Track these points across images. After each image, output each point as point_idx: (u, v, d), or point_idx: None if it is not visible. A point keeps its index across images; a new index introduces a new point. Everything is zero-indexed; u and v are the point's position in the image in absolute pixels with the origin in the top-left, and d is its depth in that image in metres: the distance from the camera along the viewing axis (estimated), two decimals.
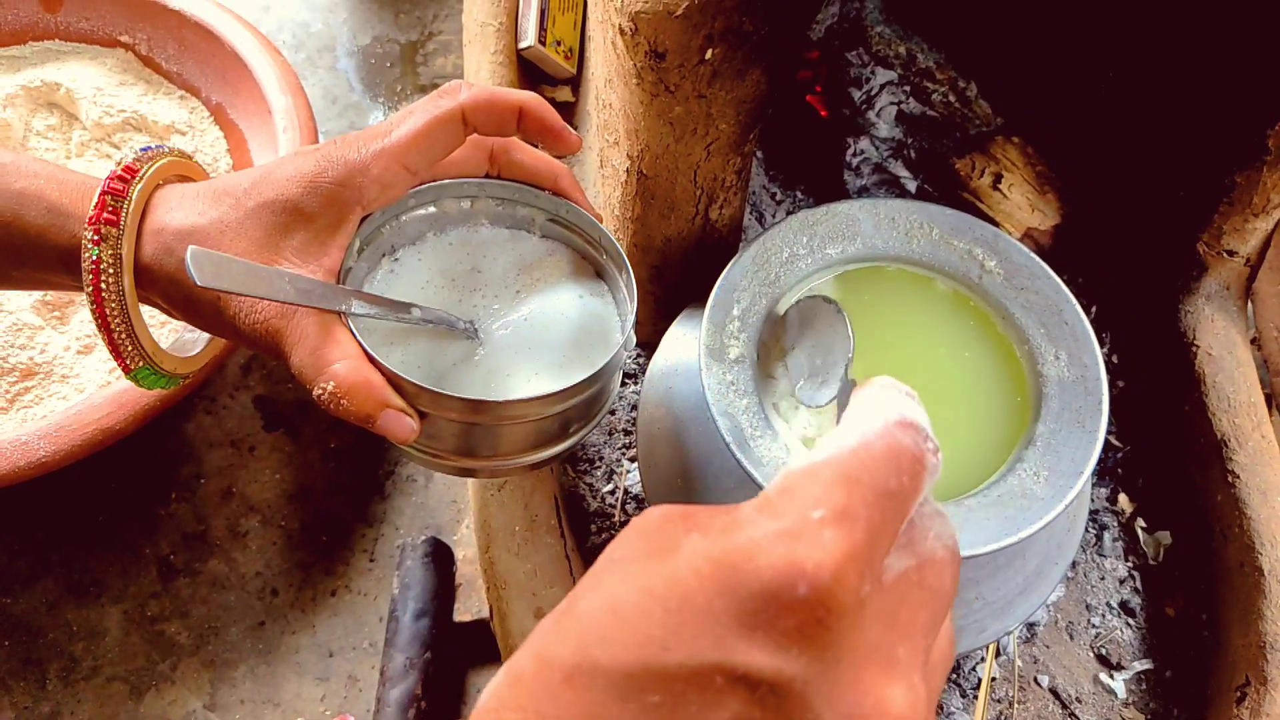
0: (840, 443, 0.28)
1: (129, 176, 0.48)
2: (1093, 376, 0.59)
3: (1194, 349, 0.78)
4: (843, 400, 0.50)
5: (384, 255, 0.55)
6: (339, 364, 0.46)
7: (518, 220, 0.58)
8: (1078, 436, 0.57)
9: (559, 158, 0.61)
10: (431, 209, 0.56)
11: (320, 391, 0.46)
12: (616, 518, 0.75)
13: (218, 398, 0.98)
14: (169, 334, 0.90)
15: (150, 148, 0.52)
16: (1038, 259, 0.62)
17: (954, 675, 0.71)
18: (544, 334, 0.54)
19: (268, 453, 0.96)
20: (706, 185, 0.65)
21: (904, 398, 0.30)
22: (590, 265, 0.58)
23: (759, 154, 0.88)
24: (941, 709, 0.69)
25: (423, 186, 0.53)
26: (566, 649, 0.25)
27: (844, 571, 0.24)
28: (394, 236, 0.55)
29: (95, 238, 0.47)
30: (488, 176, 0.56)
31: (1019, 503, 0.55)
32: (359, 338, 0.47)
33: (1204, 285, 0.79)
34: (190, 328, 0.58)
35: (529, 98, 0.51)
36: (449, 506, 0.94)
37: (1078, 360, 0.60)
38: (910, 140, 0.82)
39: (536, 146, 0.56)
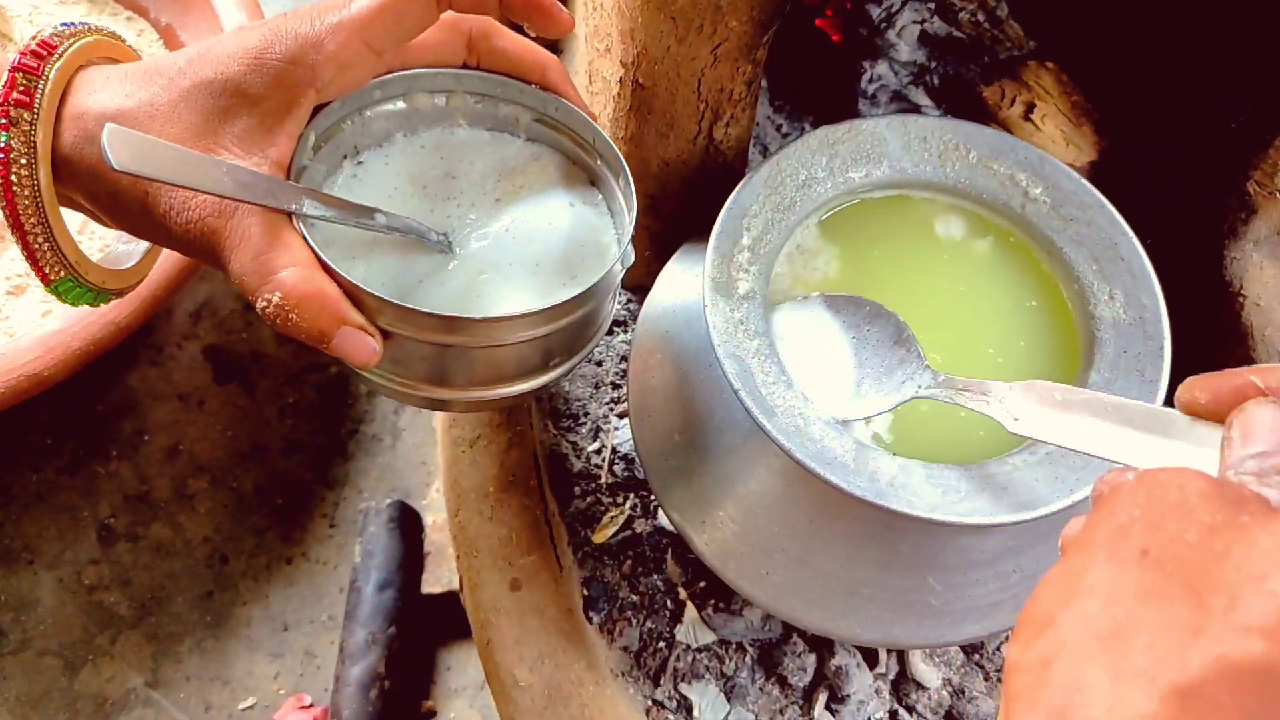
0: None
1: (45, 53, 0.42)
2: (1153, 318, 0.52)
3: (1241, 299, 0.71)
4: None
5: (345, 157, 0.49)
6: (287, 271, 0.41)
7: (500, 120, 0.51)
8: (1137, 386, 0.50)
9: (547, 46, 0.53)
10: (400, 104, 0.49)
11: (264, 304, 0.41)
12: (603, 480, 0.68)
13: (164, 347, 0.90)
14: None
15: (72, 24, 0.45)
16: (1089, 185, 0.55)
17: (976, 656, 0.64)
18: (527, 247, 0.48)
19: (219, 407, 0.88)
20: (711, 98, 0.57)
21: None
22: (582, 171, 0.52)
23: (763, 81, 0.81)
24: (963, 693, 0.63)
25: (390, 76, 0.47)
26: None
27: None
28: (357, 135, 0.49)
29: (3, 122, 0.40)
30: (465, 67, 0.49)
31: (1070, 461, 0.48)
32: (313, 244, 0.42)
33: (1253, 229, 0.72)
34: (125, 237, 0.52)
35: None
36: (418, 468, 0.87)
37: (1135, 300, 0.53)
38: (933, 65, 0.74)
39: (522, 32, 0.49)
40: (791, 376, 0.50)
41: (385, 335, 0.43)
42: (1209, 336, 0.73)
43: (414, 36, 0.45)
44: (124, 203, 0.42)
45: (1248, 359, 0.70)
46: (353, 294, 0.42)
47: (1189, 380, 0.33)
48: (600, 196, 0.51)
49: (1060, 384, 0.41)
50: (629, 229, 0.47)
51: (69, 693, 0.78)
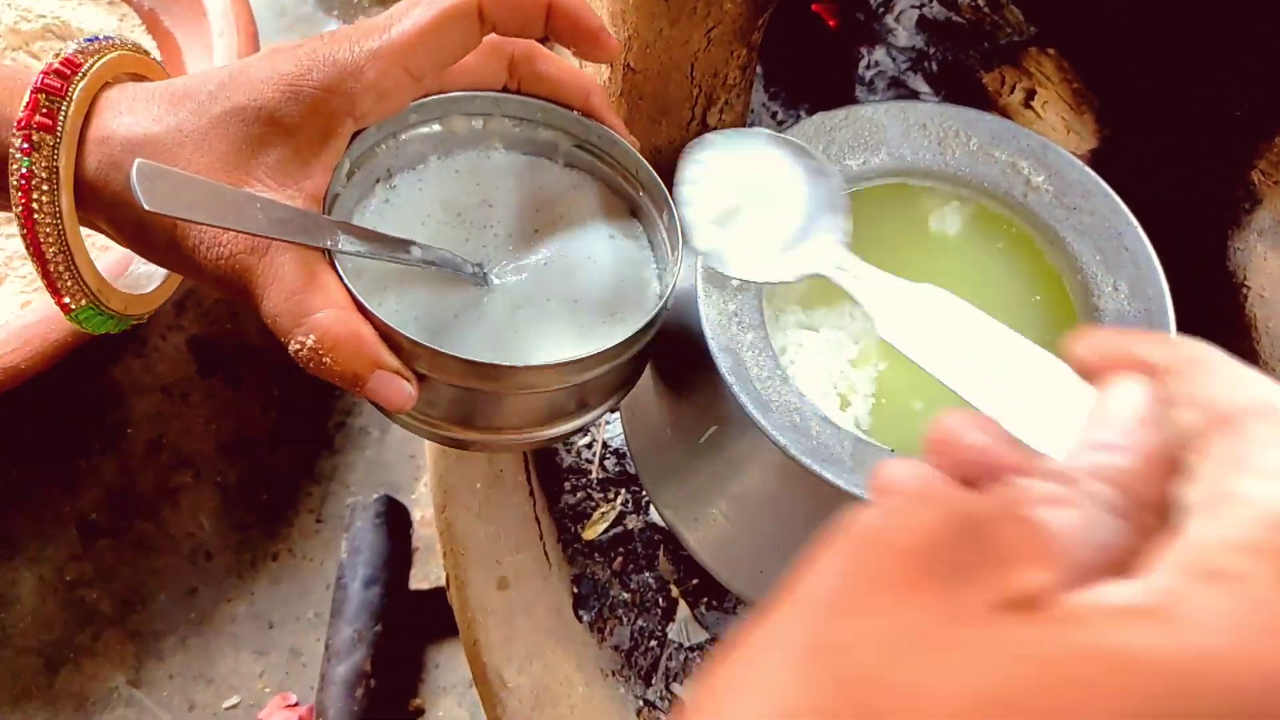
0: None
1: (69, 72, 0.40)
2: (1158, 311, 0.51)
3: (1244, 291, 0.70)
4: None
5: (378, 181, 0.47)
6: (322, 313, 0.39)
7: (538, 145, 0.50)
8: None
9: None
10: (437, 127, 0.48)
11: (298, 346, 0.39)
12: (594, 474, 0.67)
13: (148, 339, 0.88)
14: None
15: (98, 39, 0.43)
16: (1093, 174, 0.54)
17: None
18: (567, 281, 0.47)
19: (203, 400, 0.86)
20: (705, 83, 0.56)
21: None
22: (623, 202, 0.50)
23: (758, 67, 0.79)
24: None
25: (427, 99, 0.45)
26: None
27: None
28: (391, 158, 0.47)
29: (25, 145, 0.39)
30: (505, 90, 0.48)
31: None
32: (347, 282, 0.40)
33: (1257, 219, 0.71)
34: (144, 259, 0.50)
35: None
36: (406, 462, 0.86)
37: (1140, 292, 0.51)
38: (932, 50, 0.73)
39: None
40: (786, 370, 0.48)
41: (419, 377, 0.42)
42: (1211, 328, 0.72)
43: (456, 61, 0.43)
44: (150, 233, 0.41)
45: (1251, 352, 0.69)
46: (388, 336, 0.40)
47: (1084, 331, 0.27)
48: (641, 229, 0.49)
49: (962, 301, 0.37)
50: (676, 269, 0.45)
51: (49, 691, 0.77)
